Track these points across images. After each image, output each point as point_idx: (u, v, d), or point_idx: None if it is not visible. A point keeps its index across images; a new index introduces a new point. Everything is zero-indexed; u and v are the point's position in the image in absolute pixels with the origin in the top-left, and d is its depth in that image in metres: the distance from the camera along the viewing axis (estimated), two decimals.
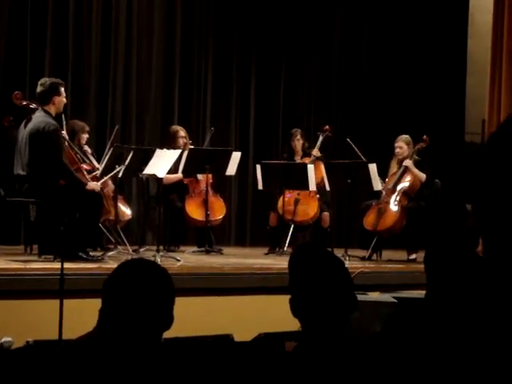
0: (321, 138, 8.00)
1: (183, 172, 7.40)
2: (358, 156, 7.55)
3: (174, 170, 7.08)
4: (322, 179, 7.44)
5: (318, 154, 7.92)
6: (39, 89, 6.13)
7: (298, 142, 8.04)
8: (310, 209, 7.83)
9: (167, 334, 2.12)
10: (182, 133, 7.85)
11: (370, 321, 4.72)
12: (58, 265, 4.51)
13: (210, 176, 7.71)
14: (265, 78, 9.77)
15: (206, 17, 9.43)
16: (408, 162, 7.43)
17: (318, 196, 7.82)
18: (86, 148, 7.27)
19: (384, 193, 7.46)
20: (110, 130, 8.07)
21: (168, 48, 9.16)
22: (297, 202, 7.79)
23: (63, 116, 6.82)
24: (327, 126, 8.12)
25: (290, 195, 7.75)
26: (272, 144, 9.78)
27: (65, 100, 6.25)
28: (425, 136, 7.57)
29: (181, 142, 7.75)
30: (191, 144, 7.95)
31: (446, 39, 10.33)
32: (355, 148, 7.54)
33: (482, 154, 1.24)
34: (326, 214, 7.89)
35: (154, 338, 2.06)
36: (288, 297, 2.27)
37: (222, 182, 8.59)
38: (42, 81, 6.23)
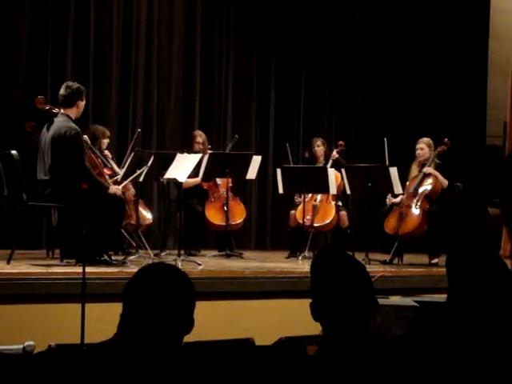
0: (335, 151, 8.02)
1: (203, 177, 7.42)
2: (382, 158, 7.52)
3: (193, 174, 7.10)
4: (339, 186, 7.48)
5: (336, 156, 7.93)
6: (66, 91, 6.09)
7: (319, 148, 8.07)
8: (327, 214, 7.80)
9: (188, 338, 2.12)
10: (199, 139, 7.88)
11: (391, 325, 4.71)
12: (79, 269, 4.53)
13: (230, 180, 7.73)
14: (285, 81, 9.77)
15: (226, 22, 9.46)
16: (430, 169, 7.37)
17: (334, 202, 7.82)
18: (107, 153, 7.31)
19: (405, 196, 7.42)
20: (132, 134, 8.11)
21: (188, 53, 9.19)
22: (315, 208, 7.79)
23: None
24: (341, 142, 8.17)
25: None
26: (292, 147, 9.77)
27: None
28: (446, 139, 7.54)
29: (196, 147, 7.80)
30: (210, 149, 7.97)
31: (466, 41, 10.28)
32: (386, 150, 7.49)
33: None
34: (344, 214, 7.88)
35: (175, 342, 2.06)
36: (309, 300, 2.27)
37: (242, 186, 8.60)
38: (69, 83, 6.21)
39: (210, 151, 7.77)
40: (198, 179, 7.52)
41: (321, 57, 9.93)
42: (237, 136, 8.13)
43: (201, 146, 7.83)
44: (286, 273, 6.23)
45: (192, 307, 2.09)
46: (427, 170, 7.39)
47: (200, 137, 7.92)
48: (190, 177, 6.88)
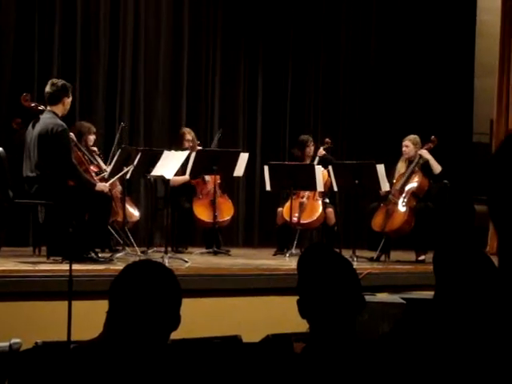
0: (321, 148, 8.05)
1: (191, 174, 7.42)
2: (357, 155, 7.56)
3: (181, 171, 7.09)
4: (326, 184, 7.49)
5: (323, 153, 7.96)
6: (51, 88, 6.07)
7: (311, 149, 8.10)
8: (314, 211, 7.81)
9: (175, 335, 2.12)
10: (188, 136, 7.87)
11: (378, 322, 4.72)
12: (66, 266, 4.51)
13: (218, 177, 7.73)
14: (272, 78, 9.77)
15: (213, 19, 9.45)
16: (423, 152, 7.43)
17: (321, 199, 7.83)
18: (94, 149, 7.29)
19: (392, 194, 7.44)
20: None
21: (175, 50, 9.17)
22: (301, 205, 7.79)
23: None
24: (328, 139, 8.18)
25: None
26: (279, 145, 9.78)
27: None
28: (433, 136, 7.58)
29: (186, 144, 7.79)
30: (199, 145, 7.96)
31: (453, 39, 10.31)
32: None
33: (499, 155, 1.23)
34: (331, 211, 7.90)
35: (162, 339, 2.06)
36: (296, 298, 2.27)
37: (229, 183, 8.59)
38: (54, 81, 6.20)
39: (199, 148, 7.77)
40: (187, 177, 7.51)
41: (308, 53, 9.93)
42: (221, 130, 8.14)
43: (190, 144, 7.81)
44: (273, 270, 6.23)
45: (178, 304, 2.08)
46: (422, 152, 7.43)
47: (189, 134, 7.91)
48: (177, 174, 6.87)
